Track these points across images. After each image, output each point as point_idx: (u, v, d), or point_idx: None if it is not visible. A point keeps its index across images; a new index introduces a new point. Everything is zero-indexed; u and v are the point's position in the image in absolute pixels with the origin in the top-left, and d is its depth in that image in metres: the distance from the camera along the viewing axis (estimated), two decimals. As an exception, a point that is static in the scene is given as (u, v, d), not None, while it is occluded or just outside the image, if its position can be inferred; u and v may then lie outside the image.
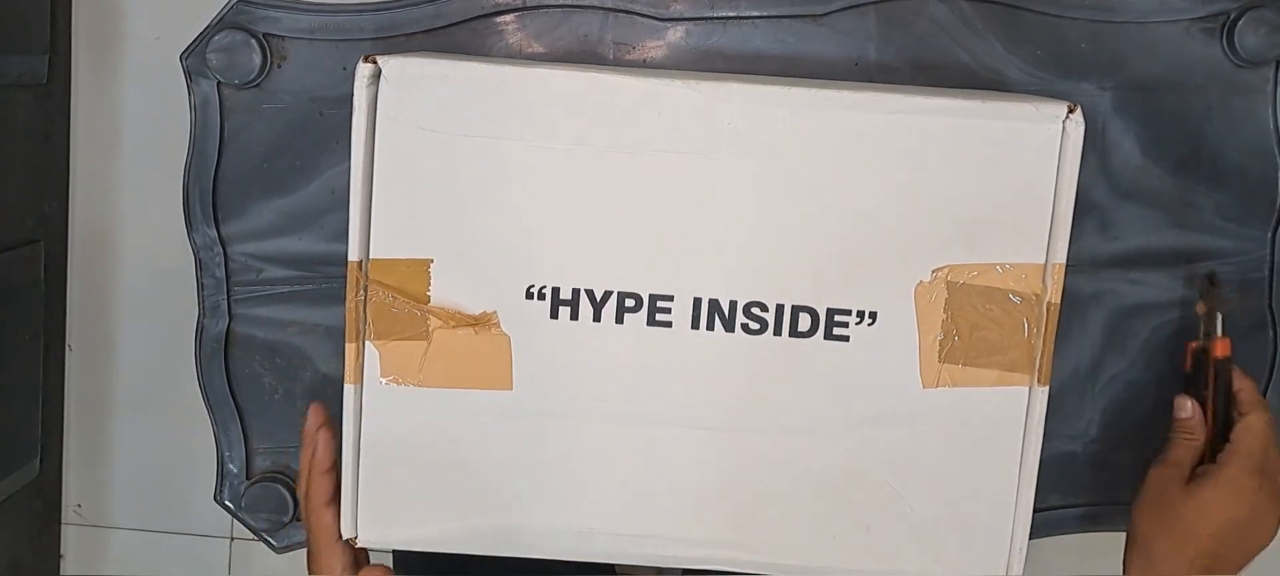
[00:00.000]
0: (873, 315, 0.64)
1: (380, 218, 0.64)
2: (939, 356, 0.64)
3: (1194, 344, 0.73)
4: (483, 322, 0.65)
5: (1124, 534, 0.71)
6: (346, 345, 0.65)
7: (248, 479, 0.81)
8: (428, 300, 0.64)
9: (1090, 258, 0.75)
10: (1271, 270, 0.76)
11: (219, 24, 0.75)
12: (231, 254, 0.78)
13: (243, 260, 0.78)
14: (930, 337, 0.64)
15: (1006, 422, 0.64)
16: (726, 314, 0.64)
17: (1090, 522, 0.78)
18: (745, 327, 0.64)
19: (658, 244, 0.64)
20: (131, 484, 1.35)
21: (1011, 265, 0.63)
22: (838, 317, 0.64)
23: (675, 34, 0.75)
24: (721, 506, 0.66)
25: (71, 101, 1.31)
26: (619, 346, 0.65)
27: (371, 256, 0.64)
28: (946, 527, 0.66)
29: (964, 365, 0.64)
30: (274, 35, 0.76)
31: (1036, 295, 0.63)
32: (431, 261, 0.64)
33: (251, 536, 0.82)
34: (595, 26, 0.75)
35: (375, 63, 0.62)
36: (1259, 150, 0.75)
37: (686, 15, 0.75)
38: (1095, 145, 0.74)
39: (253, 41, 0.75)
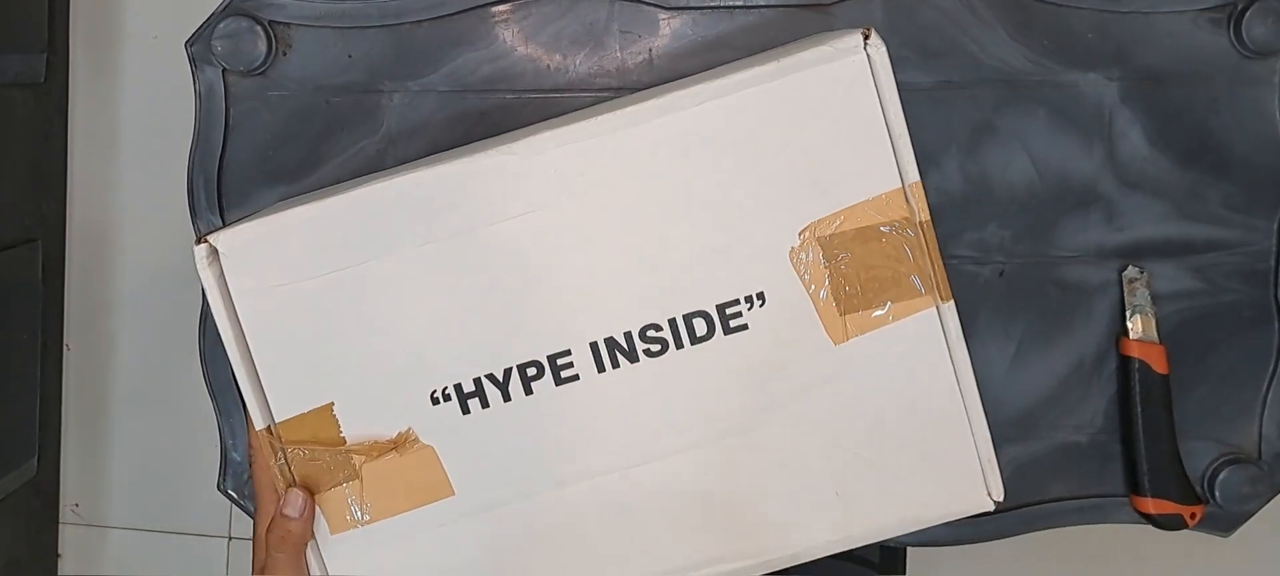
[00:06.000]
0: (761, 296, 0.64)
1: (271, 382, 0.65)
2: (839, 310, 0.64)
3: None
4: (403, 442, 0.65)
5: (1126, 526, 0.71)
6: None
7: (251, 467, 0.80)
8: (344, 441, 0.65)
9: (1096, 247, 0.75)
10: (1277, 261, 0.75)
11: (224, 11, 0.75)
12: (236, 242, 0.78)
13: (247, 248, 0.78)
14: (822, 296, 0.63)
15: (928, 350, 0.64)
16: (626, 347, 0.64)
17: (1094, 514, 0.78)
18: (648, 352, 0.64)
19: (537, 307, 0.64)
20: (129, 483, 1.35)
21: (870, 199, 0.62)
22: (729, 310, 0.64)
23: (682, 23, 0.75)
24: (697, 526, 0.66)
25: (69, 100, 1.31)
26: (537, 416, 0.65)
27: (277, 420, 0.65)
28: (913, 470, 0.65)
29: (864, 310, 0.64)
30: (279, 22, 0.75)
31: (905, 219, 0.62)
32: (333, 404, 0.65)
33: (250, 536, 0.81)
34: (601, 15, 0.75)
35: (208, 242, 0.64)
36: (1265, 141, 0.74)
37: (693, 4, 0.75)
38: (1102, 135, 0.74)
39: (258, 28, 0.75)
